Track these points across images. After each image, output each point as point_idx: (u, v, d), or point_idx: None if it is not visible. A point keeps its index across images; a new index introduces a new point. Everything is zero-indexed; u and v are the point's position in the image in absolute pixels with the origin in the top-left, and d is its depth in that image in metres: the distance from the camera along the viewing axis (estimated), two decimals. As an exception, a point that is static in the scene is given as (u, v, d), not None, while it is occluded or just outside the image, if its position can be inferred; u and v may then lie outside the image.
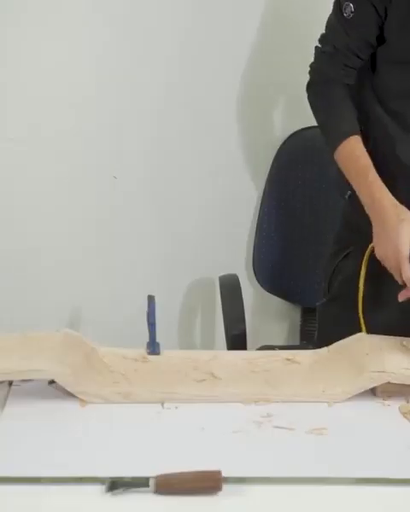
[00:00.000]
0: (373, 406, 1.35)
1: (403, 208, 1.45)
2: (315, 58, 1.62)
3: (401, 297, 1.44)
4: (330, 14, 1.58)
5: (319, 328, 1.83)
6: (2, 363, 1.33)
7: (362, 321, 1.52)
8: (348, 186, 1.57)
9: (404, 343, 1.43)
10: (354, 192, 1.55)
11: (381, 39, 1.53)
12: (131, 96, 2.06)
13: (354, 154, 1.52)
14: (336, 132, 1.55)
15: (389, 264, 1.44)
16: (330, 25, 1.58)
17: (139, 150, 2.12)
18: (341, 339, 1.46)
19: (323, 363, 1.42)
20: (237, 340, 1.91)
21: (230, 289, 2.05)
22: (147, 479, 1.10)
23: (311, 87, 1.63)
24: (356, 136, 1.53)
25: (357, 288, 1.54)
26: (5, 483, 1.11)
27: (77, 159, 2.10)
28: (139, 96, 2.06)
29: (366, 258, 1.53)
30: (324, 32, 1.60)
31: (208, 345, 2.30)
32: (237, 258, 2.24)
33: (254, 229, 2.16)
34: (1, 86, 2.01)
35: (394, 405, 1.35)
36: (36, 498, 1.09)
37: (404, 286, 1.43)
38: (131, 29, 2.01)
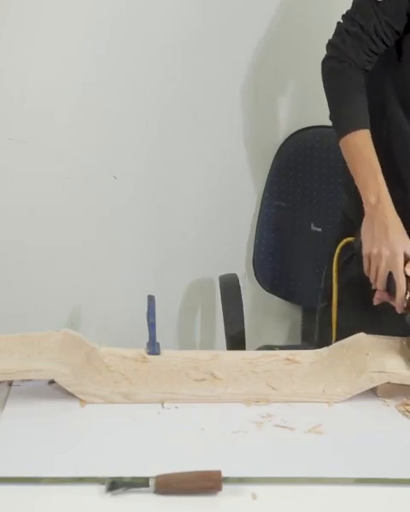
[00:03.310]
0: (373, 406, 1.35)
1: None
2: (337, 34, 1.57)
3: (376, 301, 1.47)
4: None
5: (320, 331, 1.82)
6: (2, 363, 1.33)
7: (334, 318, 1.55)
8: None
9: (404, 343, 1.43)
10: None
11: (406, 29, 1.52)
12: (131, 95, 2.06)
13: (363, 150, 1.51)
14: (347, 120, 1.54)
15: (377, 263, 1.45)
16: (358, 4, 1.54)
17: (139, 150, 2.12)
18: None
19: (323, 363, 1.42)
20: (235, 340, 1.91)
21: (229, 289, 2.05)
22: (147, 479, 1.10)
23: (328, 63, 1.59)
24: (366, 131, 1.51)
25: (336, 278, 1.58)
26: (5, 483, 1.11)
27: (77, 159, 2.10)
28: (139, 96, 2.06)
29: (339, 248, 1.58)
30: (349, 9, 1.56)
31: (208, 345, 2.30)
32: (238, 258, 2.23)
33: (255, 230, 2.16)
34: (1, 86, 2.01)
35: (394, 405, 1.35)
36: (36, 498, 1.09)
37: (375, 289, 1.47)
38: (131, 29, 2.01)
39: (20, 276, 2.16)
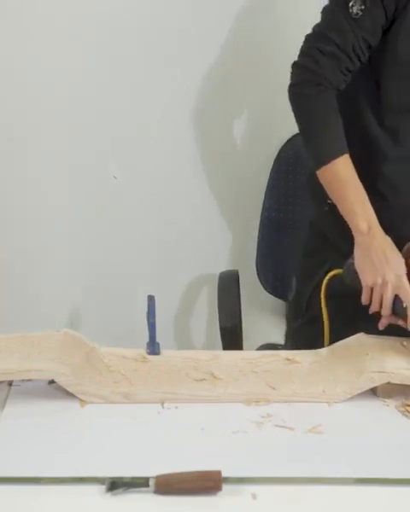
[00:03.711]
0: (373, 406, 1.35)
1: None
2: (306, 55, 1.49)
3: (382, 326, 1.44)
4: (329, 9, 1.48)
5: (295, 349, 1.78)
6: (2, 363, 1.33)
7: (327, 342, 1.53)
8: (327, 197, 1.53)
9: (404, 343, 1.43)
10: (332, 205, 1.51)
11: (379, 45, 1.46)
12: (131, 95, 2.07)
13: (346, 177, 1.46)
14: (325, 149, 1.48)
15: (382, 291, 1.40)
16: (332, 22, 1.46)
17: (139, 150, 2.12)
18: None
19: (323, 363, 1.42)
20: (229, 335, 1.90)
21: (226, 283, 2.03)
22: (147, 479, 1.10)
23: (298, 88, 1.50)
24: (346, 156, 1.46)
25: (325, 312, 1.54)
26: (5, 483, 1.11)
27: (77, 159, 2.10)
28: (139, 96, 2.06)
29: (325, 283, 1.52)
30: (317, 27, 1.48)
31: (208, 345, 2.30)
32: (238, 259, 2.23)
33: (256, 232, 2.16)
34: (1, 86, 2.01)
35: (394, 405, 1.35)
36: (36, 498, 1.09)
37: (378, 315, 1.43)
38: (131, 29, 2.01)
39: (19, 276, 2.16)
